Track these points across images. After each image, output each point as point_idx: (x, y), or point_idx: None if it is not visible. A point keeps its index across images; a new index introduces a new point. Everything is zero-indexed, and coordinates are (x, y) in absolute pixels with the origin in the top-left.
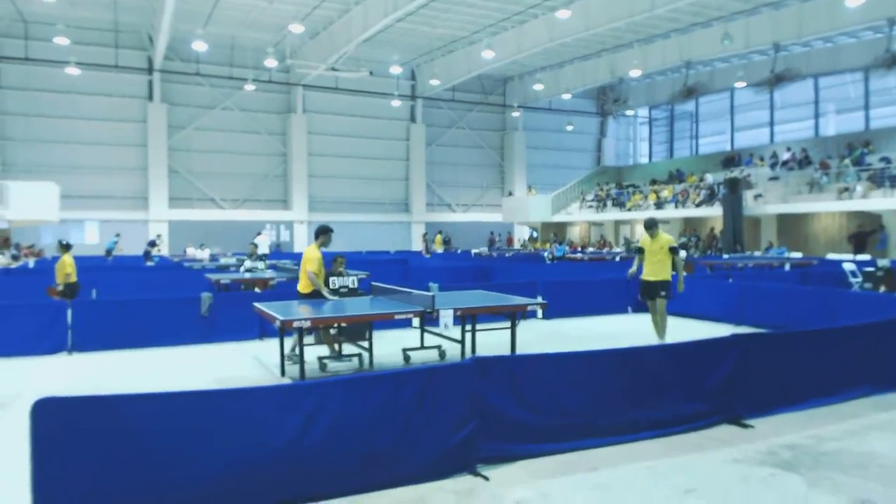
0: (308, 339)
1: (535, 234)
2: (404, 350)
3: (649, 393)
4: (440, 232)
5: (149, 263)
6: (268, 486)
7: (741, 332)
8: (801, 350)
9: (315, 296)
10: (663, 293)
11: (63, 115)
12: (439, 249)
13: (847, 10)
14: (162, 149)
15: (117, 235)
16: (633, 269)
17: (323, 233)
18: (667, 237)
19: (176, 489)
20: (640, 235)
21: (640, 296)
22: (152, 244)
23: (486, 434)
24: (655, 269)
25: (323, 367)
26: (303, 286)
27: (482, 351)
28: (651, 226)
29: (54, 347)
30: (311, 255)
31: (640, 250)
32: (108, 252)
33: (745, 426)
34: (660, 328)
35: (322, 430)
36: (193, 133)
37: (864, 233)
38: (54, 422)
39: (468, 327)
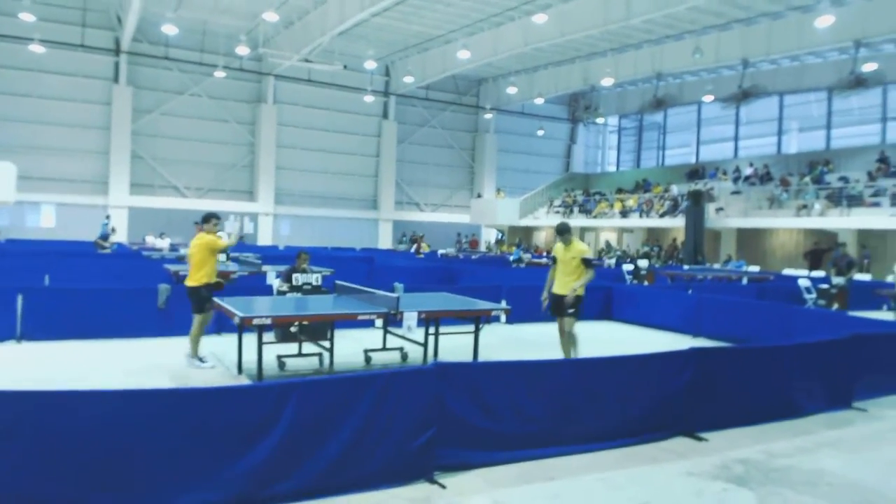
0: (268, 337)
1: (501, 237)
2: (366, 351)
3: (608, 403)
4: (422, 235)
5: (102, 251)
6: (220, 488)
7: (699, 343)
8: (756, 365)
9: (205, 289)
10: (571, 311)
11: (24, 93)
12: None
13: (815, 30)
14: (125, 133)
15: (108, 217)
16: (549, 280)
17: (206, 220)
18: (581, 247)
19: (118, 489)
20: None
21: (549, 310)
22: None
23: (445, 441)
24: (566, 281)
25: (282, 365)
26: (192, 279)
27: (445, 354)
28: (563, 231)
29: (2, 335)
30: (205, 241)
31: (555, 259)
32: (104, 238)
33: (700, 439)
34: (566, 349)
35: (279, 432)
36: (159, 118)
37: (820, 250)
38: None
39: (431, 330)
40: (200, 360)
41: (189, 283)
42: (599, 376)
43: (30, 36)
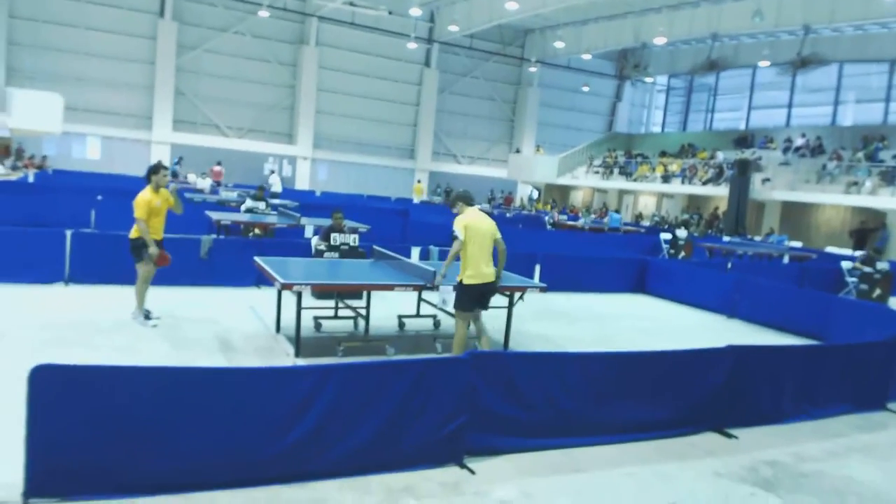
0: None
1: (536, 195)
2: (400, 317)
3: (641, 397)
4: (419, 181)
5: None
6: (261, 463)
7: (733, 324)
8: (790, 364)
9: (140, 242)
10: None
11: (71, 23)
12: (417, 199)
13: (883, 0)
14: (170, 68)
15: (180, 158)
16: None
17: (154, 172)
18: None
19: (169, 461)
20: (644, 207)
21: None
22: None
23: (476, 427)
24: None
25: (318, 326)
26: (134, 231)
27: None
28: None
29: (51, 277)
30: (139, 200)
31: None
32: (174, 175)
33: (730, 436)
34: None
35: (317, 412)
36: (203, 55)
37: (867, 229)
38: (51, 388)
39: None
40: (146, 316)
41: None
42: (634, 371)
43: None
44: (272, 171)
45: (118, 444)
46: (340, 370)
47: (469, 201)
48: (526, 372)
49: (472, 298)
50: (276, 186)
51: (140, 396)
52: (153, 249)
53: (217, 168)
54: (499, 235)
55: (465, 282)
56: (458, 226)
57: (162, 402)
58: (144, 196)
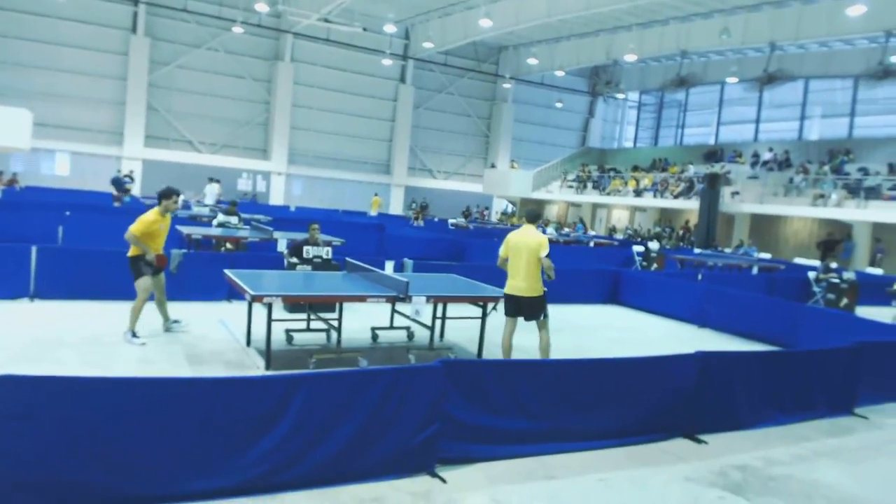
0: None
1: (511, 209)
2: (373, 329)
3: (612, 403)
4: (376, 194)
5: (116, 204)
6: (228, 475)
7: (704, 334)
8: (760, 370)
9: (139, 259)
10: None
11: (42, 39)
12: (374, 212)
13: (846, 17)
14: (142, 84)
15: (130, 172)
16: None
17: (166, 196)
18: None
19: (133, 474)
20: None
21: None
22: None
23: (448, 435)
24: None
25: (290, 339)
26: (132, 250)
27: (451, 335)
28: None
29: (15, 293)
30: (143, 218)
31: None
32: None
33: (700, 441)
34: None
35: (286, 423)
36: (176, 71)
37: (833, 241)
38: (12, 400)
39: (438, 313)
40: (134, 334)
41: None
42: (604, 377)
43: None
44: (210, 179)
45: (81, 457)
46: (309, 379)
47: (532, 218)
48: (498, 379)
49: (508, 305)
50: (209, 197)
51: (103, 409)
52: (150, 256)
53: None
54: (543, 253)
55: (504, 290)
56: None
57: (125, 414)
58: (149, 217)
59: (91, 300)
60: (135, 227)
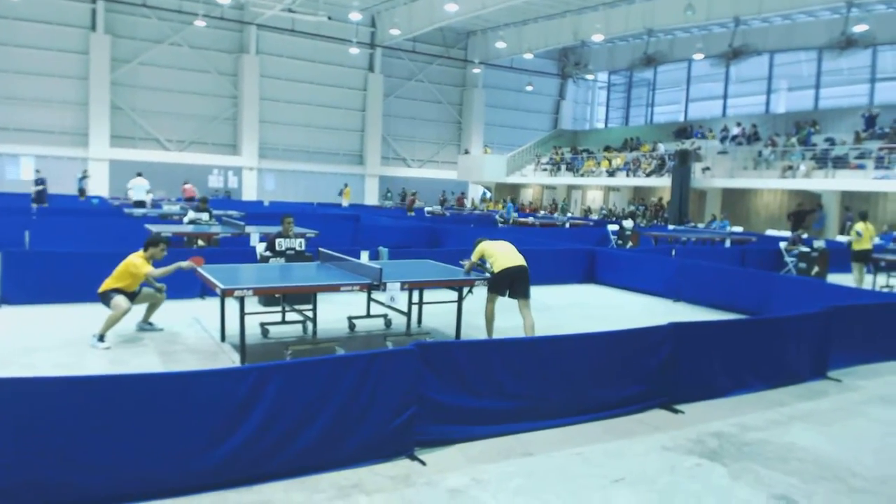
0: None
1: (487, 195)
2: (349, 318)
3: (588, 378)
4: (346, 185)
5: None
6: (204, 469)
7: (679, 307)
8: (733, 339)
9: (108, 294)
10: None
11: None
12: (346, 203)
13: None
14: (104, 83)
15: (84, 172)
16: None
17: (154, 244)
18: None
19: (106, 473)
20: (592, 201)
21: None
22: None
23: (425, 418)
24: None
25: (265, 333)
26: (103, 285)
27: (429, 320)
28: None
29: None
30: (129, 263)
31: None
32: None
33: (677, 412)
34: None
35: (260, 413)
36: (139, 68)
37: (804, 211)
38: None
39: (415, 298)
40: (100, 338)
41: (100, 289)
42: (578, 352)
43: None
44: (138, 173)
45: (51, 458)
46: (281, 369)
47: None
48: (472, 360)
49: (501, 282)
50: (138, 193)
51: (72, 408)
52: (185, 263)
53: (187, 186)
54: None
55: (499, 269)
56: None
57: (95, 412)
58: (135, 261)
59: (61, 303)
60: (117, 272)
